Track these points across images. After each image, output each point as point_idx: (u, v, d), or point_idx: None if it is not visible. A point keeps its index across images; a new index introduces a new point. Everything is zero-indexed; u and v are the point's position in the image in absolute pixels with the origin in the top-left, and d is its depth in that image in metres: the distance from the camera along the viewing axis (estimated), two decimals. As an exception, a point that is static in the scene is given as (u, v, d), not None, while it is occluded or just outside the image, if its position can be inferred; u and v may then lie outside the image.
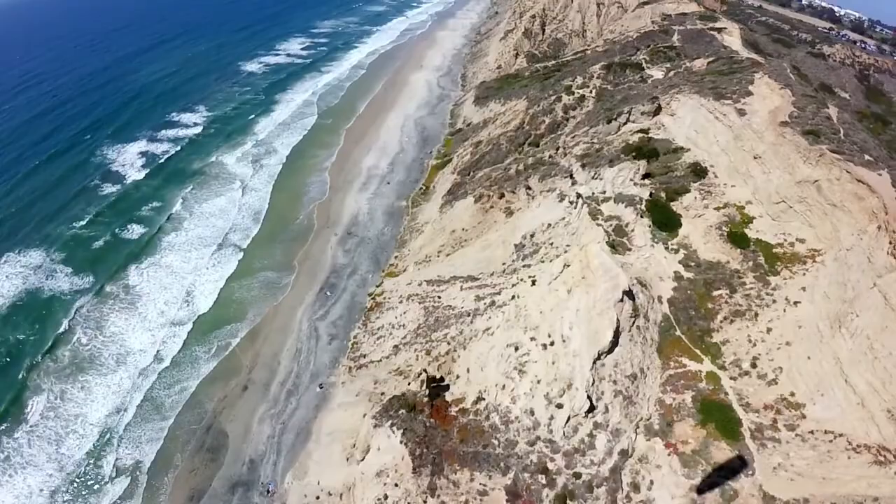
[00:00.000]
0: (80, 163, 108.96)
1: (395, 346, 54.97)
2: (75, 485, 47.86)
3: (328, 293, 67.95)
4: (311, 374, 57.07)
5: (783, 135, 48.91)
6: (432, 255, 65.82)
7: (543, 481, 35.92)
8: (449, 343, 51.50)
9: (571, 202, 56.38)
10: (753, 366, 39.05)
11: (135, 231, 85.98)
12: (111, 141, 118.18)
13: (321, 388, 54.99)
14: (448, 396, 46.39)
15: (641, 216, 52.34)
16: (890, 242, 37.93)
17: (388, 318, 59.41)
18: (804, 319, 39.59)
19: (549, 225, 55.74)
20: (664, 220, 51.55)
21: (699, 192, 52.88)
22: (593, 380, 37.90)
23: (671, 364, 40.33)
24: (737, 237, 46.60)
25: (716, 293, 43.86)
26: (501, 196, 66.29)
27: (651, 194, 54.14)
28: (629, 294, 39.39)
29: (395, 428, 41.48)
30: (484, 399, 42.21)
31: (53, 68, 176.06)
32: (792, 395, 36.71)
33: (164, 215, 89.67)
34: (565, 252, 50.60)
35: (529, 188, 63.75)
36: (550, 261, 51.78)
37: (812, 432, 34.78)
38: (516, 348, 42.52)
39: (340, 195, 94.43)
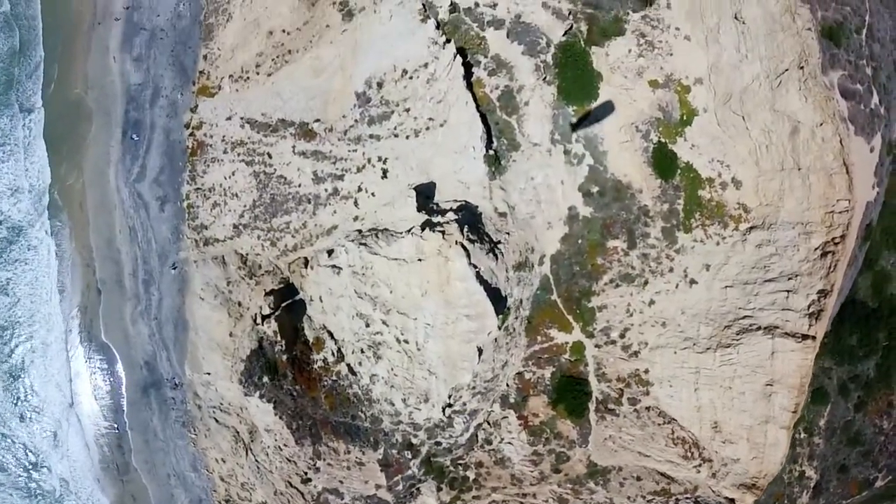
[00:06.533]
0: None
1: (236, 226, 45.23)
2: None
3: (134, 136, 47.17)
4: (157, 254, 48.24)
5: (796, 14, 25.80)
6: (250, 69, 42.51)
7: (409, 455, 39.93)
8: (293, 236, 42.64)
9: (439, 28, 34.07)
10: (622, 335, 36.83)
11: None
12: None
13: (175, 268, 48.48)
14: (307, 330, 41.74)
15: (545, 79, 33.69)
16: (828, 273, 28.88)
17: (216, 177, 44.66)
18: (691, 308, 34.50)
19: (405, 72, 35.48)
20: (577, 87, 33.90)
21: (637, 37, 32.01)
22: (450, 394, 35.88)
23: (538, 339, 37.14)
24: (662, 160, 32.80)
25: (611, 244, 35.21)
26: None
27: (567, 33, 32.59)
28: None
29: (264, 399, 40.84)
30: (343, 360, 39.86)
31: None
32: (646, 371, 36.84)
33: None
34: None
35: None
36: (406, 137, 36.76)
37: (648, 408, 37.38)
38: (367, 324, 36.73)
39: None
